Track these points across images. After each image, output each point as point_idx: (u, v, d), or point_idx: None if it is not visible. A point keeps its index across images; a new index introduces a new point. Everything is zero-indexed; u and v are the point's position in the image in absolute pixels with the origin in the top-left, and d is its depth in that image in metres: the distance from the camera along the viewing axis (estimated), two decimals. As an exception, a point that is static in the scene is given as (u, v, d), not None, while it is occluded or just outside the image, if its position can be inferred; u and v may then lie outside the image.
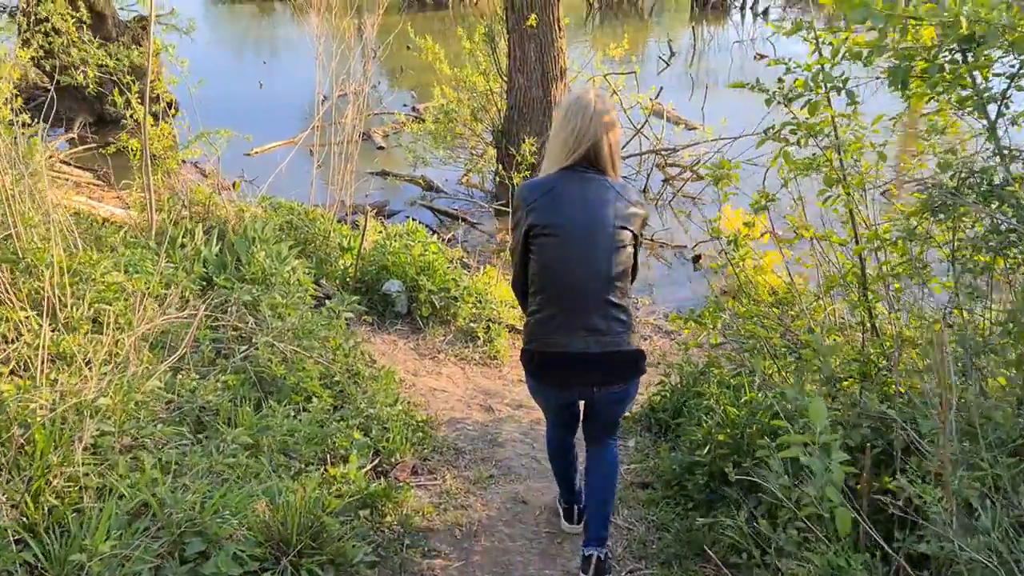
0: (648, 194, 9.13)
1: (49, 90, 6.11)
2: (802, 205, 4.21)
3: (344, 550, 2.64)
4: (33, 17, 7.96)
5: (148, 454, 2.78)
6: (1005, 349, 2.48)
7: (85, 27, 6.83)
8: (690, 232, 8.22)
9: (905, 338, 3.17)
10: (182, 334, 3.60)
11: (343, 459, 3.30)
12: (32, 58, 7.98)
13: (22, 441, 2.50)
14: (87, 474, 2.55)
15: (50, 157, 7.73)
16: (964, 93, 2.61)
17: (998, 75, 2.61)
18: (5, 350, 3.00)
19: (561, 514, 3.31)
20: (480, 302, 5.32)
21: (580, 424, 3.03)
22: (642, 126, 9.48)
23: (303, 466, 3.13)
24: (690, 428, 3.55)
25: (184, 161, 6.65)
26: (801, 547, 2.30)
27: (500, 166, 7.20)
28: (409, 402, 4.08)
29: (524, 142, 8.38)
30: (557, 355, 2.64)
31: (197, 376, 3.34)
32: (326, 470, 3.13)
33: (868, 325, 3.34)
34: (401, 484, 3.34)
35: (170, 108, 8.63)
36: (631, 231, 2.64)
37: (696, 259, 7.64)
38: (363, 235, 5.22)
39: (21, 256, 3.51)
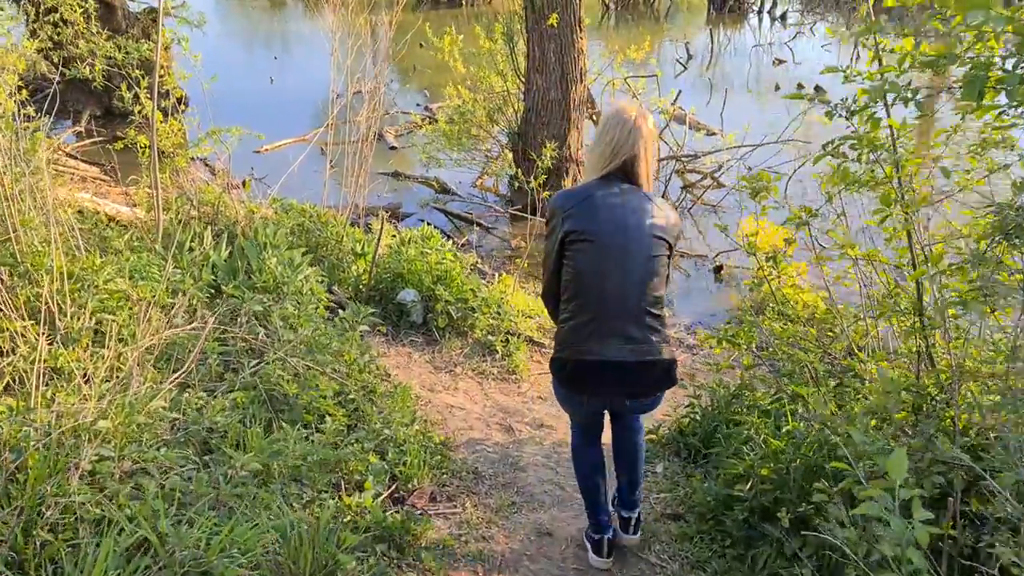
0: (667, 201, 8.89)
1: (57, 82, 5.92)
2: (845, 221, 4.00)
3: (361, 592, 2.43)
4: (41, 7, 7.77)
5: (150, 480, 2.57)
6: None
7: (93, 18, 6.61)
8: (710, 241, 7.98)
9: (965, 370, 2.95)
10: (189, 346, 3.39)
11: (358, 486, 3.09)
12: (40, 49, 7.79)
13: (13, 468, 2.29)
14: (84, 504, 2.34)
15: (56, 151, 7.55)
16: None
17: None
18: (-1, 364, 2.80)
19: (589, 548, 3.09)
20: (499, 313, 5.10)
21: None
22: (661, 131, 9.26)
23: (316, 493, 2.92)
24: (728, 459, 3.32)
25: (193, 158, 6.45)
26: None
27: (519, 170, 6.97)
28: (426, 421, 3.86)
29: (545, 146, 8.17)
30: (590, 363, 2.64)
31: (204, 393, 3.12)
32: (340, 498, 2.92)
33: (924, 354, 3.11)
34: (419, 513, 3.13)
35: (180, 103, 8.45)
36: (667, 241, 2.67)
37: (718, 269, 7.41)
38: (378, 242, 5.01)
39: (19, 260, 3.30)
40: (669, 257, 2.70)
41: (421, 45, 11.52)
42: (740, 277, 7.33)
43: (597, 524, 3.03)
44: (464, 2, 22.40)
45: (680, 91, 10.42)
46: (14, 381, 2.78)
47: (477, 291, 5.07)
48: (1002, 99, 2.49)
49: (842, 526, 2.15)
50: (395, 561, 2.79)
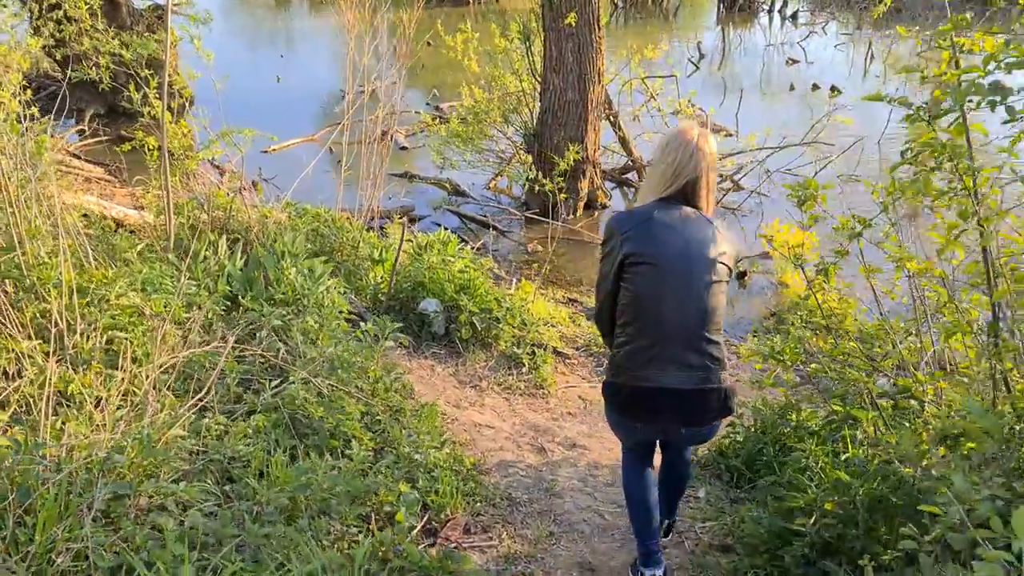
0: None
1: (60, 80, 5.70)
2: (898, 231, 3.78)
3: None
4: (44, 3, 7.55)
5: (169, 518, 2.36)
6: None
7: (99, 15, 6.39)
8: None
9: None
10: (206, 363, 3.18)
11: (388, 517, 2.88)
12: (43, 47, 7.57)
13: (21, 511, 2.08)
14: (98, 549, 2.13)
15: (60, 151, 7.33)
16: None
17: None
18: (4, 389, 2.58)
19: (638, 587, 2.89)
20: (524, 324, 4.88)
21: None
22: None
23: (345, 528, 2.71)
24: (783, 489, 3.10)
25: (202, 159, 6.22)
26: None
27: (540, 174, 6.75)
28: (455, 442, 3.64)
29: (561, 147, 7.95)
30: (647, 389, 2.56)
31: (223, 417, 2.90)
32: (372, 532, 2.71)
33: (999, 379, 2.89)
34: (454, 546, 2.92)
35: (186, 103, 8.23)
36: (727, 266, 2.60)
37: (741, 276, 7.19)
38: (399, 250, 4.79)
39: (25, 273, 3.08)
40: (728, 283, 2.62)
41: (429, 43, 11.28)
42: (764, 285, 7.12)
43: (647, 553, 2.84)
44: (471, 0, 22.15)
45: (693, 92, 10.20)
46: (20, 407, 2.56)
47: (502, 301, 4.85)
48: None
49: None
50: (433, 605, 2.57)
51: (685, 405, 2.58)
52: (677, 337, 2.52)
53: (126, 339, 2.95)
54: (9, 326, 2.88)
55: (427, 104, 12.08)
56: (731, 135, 10.07)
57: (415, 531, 2.87)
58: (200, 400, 2.84)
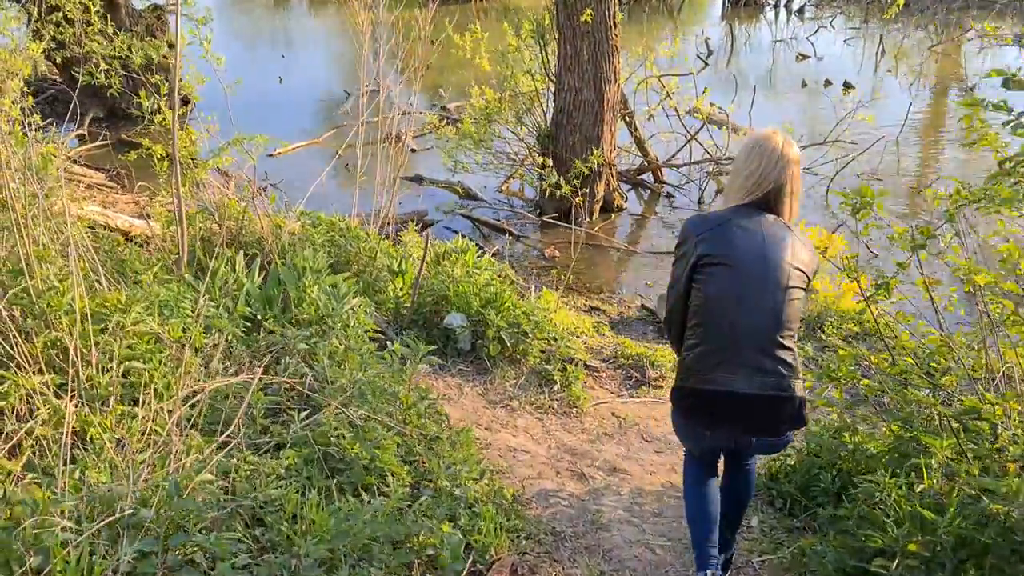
0: (704, 206, 8.46)
1: (60, 83, 5.46)
2: (962, 242, 3.57)
3: None
4: (43, 5, 7.30)
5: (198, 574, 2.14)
6: None
7: (102, 17, 6.14)
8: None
9: None
10: (231, 394, 2.96)
11: (431, 562, 2.66)
12: (43, 50, 7.32)
13: (39, 579, 1.86)
14: (124, 617, 1.91)
15: (65, 159, 7.09)
16: None
17: None
18: (16, 431, 2.35)
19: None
20: (554, 339, 4.66)
21: None
22: (697, 132, 8.83)
23: (387, 577, 2.49)
24: (852, 523, 2.89)
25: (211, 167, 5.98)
26: None
27: (561, 177, 6.53)
28: (492, 471, 3.43)
29: (576, 149, 7.73)
30: (716, 393, 2.47)
31: (251, 455, 2.68)
32: (415, 581, 2.50)
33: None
34: (503, 593, 2.70)
35: (186, 105, 7.98)
36: (806, 275, 2.54)
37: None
38: (423, 261, 4.57)
39: (35, 299, 2.85)
40: (806, 291, 2.57)
41: (433, 41, 11.04)
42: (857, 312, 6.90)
43: (702, 557, 2.67)
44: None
45: (706, 88, 9.97)
46: (34, 453, 2.34)
47: (530, 314, 4.62)
48: None
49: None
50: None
51: (756, 412, 2.49)
52: (750, 341, 2.44)
53: (145, 371, 2.73)
54: (18, 357, 2.66)
55: (434, 105, 11.84)
56: (747, 133, 9.85)
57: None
58: (227, 437, 2.61)
